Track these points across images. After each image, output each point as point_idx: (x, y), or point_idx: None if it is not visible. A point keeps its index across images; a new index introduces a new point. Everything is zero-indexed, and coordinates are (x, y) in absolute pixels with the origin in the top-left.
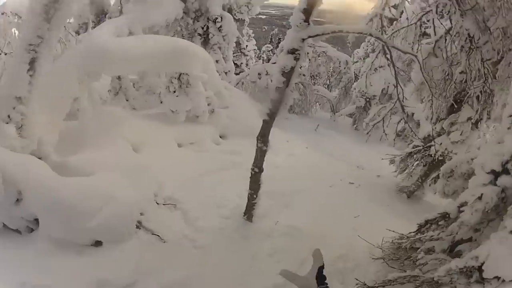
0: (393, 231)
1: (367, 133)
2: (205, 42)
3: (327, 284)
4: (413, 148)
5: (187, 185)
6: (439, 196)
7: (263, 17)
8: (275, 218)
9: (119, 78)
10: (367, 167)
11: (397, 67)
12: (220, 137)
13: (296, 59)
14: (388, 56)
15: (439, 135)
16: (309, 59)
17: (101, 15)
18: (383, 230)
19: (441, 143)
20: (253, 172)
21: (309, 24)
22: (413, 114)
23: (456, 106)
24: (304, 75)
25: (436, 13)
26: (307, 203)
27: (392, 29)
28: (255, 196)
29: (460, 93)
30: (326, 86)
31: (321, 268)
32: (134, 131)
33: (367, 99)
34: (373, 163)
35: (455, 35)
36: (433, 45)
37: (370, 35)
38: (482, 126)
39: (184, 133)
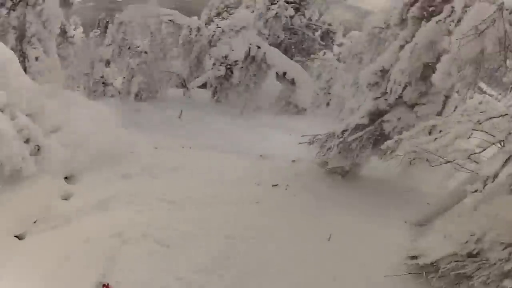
0: None
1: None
2: (21, 36)
3: None
4: (356, 128)
5: None
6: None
7: (91, 4)
8: None
9: None
10: (270, 153)
11: None
12: (66, 178)
13: None
14: None
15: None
16: (151, 32)
17: None
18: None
19: (399, 118)
20: None
21: None
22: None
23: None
24: (146, 52)
25: None
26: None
27: None
28: None
29: None
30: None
31: None
32: None
33: (228, 66)
34: (270, 145)
35: None
36: None
37: None
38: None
39: (13, 211)
